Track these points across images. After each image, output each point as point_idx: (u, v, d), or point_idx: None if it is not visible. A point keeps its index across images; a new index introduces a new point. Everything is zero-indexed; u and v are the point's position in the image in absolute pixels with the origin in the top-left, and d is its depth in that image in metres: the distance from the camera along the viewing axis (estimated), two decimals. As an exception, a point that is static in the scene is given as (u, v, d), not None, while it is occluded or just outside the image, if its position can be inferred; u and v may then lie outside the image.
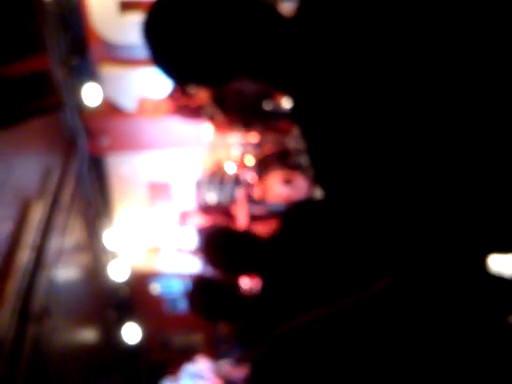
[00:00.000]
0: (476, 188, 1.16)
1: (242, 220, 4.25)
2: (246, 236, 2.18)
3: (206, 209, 4.65)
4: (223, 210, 4.48)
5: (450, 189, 1.18)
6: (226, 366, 4.51)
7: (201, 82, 1.41)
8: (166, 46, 1.27)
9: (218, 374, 4.46)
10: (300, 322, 1.44)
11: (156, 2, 1.30)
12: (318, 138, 1.29)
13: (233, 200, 4.53)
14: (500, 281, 1.29)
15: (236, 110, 4.19)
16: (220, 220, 4.47)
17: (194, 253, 4.79)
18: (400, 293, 1.39)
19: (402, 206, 1.23)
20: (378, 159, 1.19)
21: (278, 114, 4.25)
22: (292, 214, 2.20)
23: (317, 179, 1.33)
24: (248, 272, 2.15)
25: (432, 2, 1.13)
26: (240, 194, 4.41)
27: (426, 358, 1.29)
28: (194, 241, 4.75)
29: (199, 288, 2.19)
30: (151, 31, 1.29)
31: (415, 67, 1.14)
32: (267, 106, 4.24)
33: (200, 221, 4.63)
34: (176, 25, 1.24)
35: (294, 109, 1.35)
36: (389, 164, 1.19)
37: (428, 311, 1.35)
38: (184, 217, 4.89)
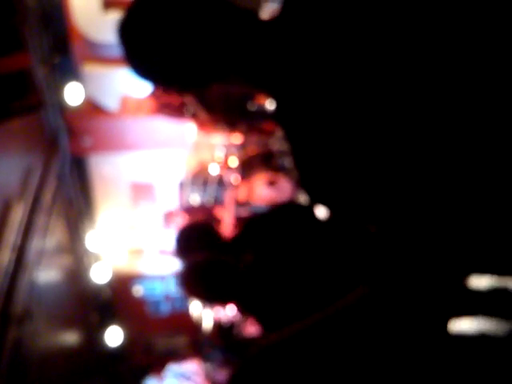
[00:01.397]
0: (459, 203, 1.16)
1: (227, 222, 4.23)
2: (221, 266, 2.17)
3: (189, 210, 4.62)
4: (206, 211, 4.46)
5: (430, 202, 1.17)
6: (212, 368, 4.49)
7: (178, 85, 1.38)
8: (143, 49, 1.24)
9: (206, 376, 4.43)
10: (275, 337, 1.43)
11: (132, 3, 1.27)
12: (301, 141, 1.27)
13: (216, 201, 4.51)
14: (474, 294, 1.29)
15: (220, 110, 4.18)
16: (203, 221, 4.45)
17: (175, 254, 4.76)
18: (375, 303, 1.38)
19: (384, 214, 1.22)
20: (361, 164, 1.18)
21: (262, 115, 4.24)
22: (270, 220, 2.20)
23: (300, 182, 1.32)
24: (226, 290, 2.14)
25: (414, 8, 1.12)
26: (226, 196, 4.39)
27: (403, 368, 1.29)
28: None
29: (195, 267, 2.18)
30: (127, 33, 1.25)
31: (397, 70, 1.13)
32: (251, 106, 4.22)
33: (183, 221, 4.60)
34: (153, 27, 1.21)
35: (276, 111, 1.33)
36: (372, 169, 1.18)
37: (403, 321, 1.35)
38: (168, 217, 4.86)
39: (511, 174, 1.10)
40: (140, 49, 1.25)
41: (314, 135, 1.24)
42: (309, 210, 2.02)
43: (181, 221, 4.63)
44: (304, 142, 1.27)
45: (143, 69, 1.29)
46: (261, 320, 2.08)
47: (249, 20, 1.28)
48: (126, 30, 1.25)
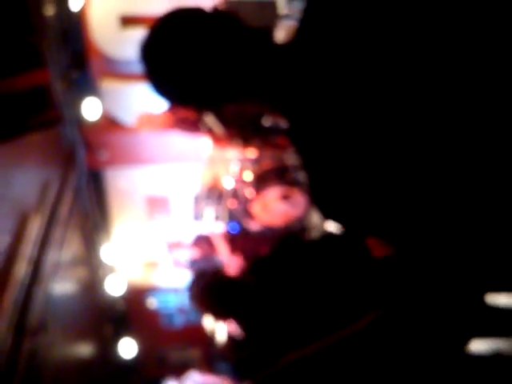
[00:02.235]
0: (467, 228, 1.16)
1: (223, 252, 4.24)
2: (232, 284, 2.20)
3: (196, 240, 4.64)
4: (208, 240, 4.48)
5: (443, 222, 1.18)
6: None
7: (195, 104, 1.43)
8: (163, 68, 1.30)
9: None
10: (285, 362, 1.45)
11: (155, 24, 1.32)
12: (313, 159, 1.29)
13: (231, 216, 4.52)
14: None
15: (235, 125, 4.20)
16: (208, 251, 4.46)
17: (190, 268, 4.78)
18: (386, 328, 1.39)
19: (396, 237, 1.23)
20: (371, 183, 1.20)
21: (277, 130, 4.26)
22: (281, 249, 2.22)
23: (312, 199, 1.34)
24: (236, 316, 2.16)
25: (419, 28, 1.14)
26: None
27: None
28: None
29: (208, 282, 2.20)
30: (149, 52, 1.31)
31: (409, 95, 1.15)
32: (266, 122, 4.24)
33: (187, 253, 4.62)
34: (174, 47, 1.27)
35: (289, 129, 1.36)
36: (382, 189, 1.19)
37: (418, 344, 1.35)
38: (171, 248, 4.90)
39: None
40: (160, 68, 1.30)
41: (325, 154, 1.26)
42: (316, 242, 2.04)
43: (185, 252, 4.65)
44: (316, 160, 1.29)
45: (162, 87, 1.33)
46: (268, 337, 2.09)
47: (265, 41, 1.32)
48: (147, 50, 1.32)
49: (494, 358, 1.37)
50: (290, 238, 2.34)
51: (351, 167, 1.22)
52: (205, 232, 4.53)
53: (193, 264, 4.43)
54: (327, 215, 1.35)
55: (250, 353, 2.21)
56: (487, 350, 1.38)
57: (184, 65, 1.27)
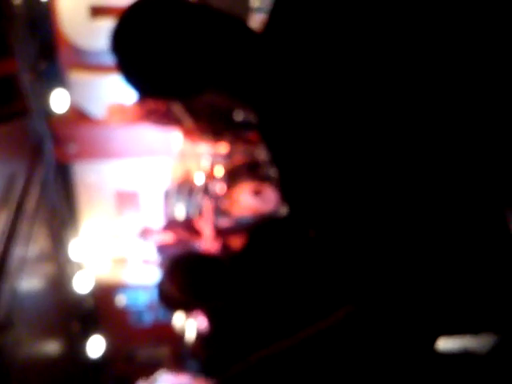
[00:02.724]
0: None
1: (207, 235, 4.20)
2: (209, 262, 2.17)
3: (169, 224, 4.59)
4: (187, 224, 4.43)
5: (409, 227, 1.17)
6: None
7: (167, 94, 1.40)
8: (134, 57, 1.27)
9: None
10: (254, 359, 1.44)
11: (125, 13, 1.29)
12: (282, 154, 1.28)
13: (201, 211, 4.49)
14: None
15: (206, 119, 4.17)
16: (183, 236, 4.41)
17: (159, 265, 4.72)
18: (359, 322, 1.38)
19: (365, 234, 1.22)
20: (341, 180, 1.18)
21: (249, 125, 4.24)
22: (254, 237, 2.20)
23: (282, 196, 1.33)
24: (210, 299, 2.13)
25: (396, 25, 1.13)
26: (206, 206, 4.37)
27: None
28: (155, 256, 4.67)
29: (183, 264, 2.17)
30: (119, 41, 1.29)
31: (380, 93, 1.14)
32: (238, 116, 4.22)
33: (162, 237, 4.56)
34: (144, 36, 1.25)
35: (259, 123, 1.34)
36: (351, 185, 1.18)
37: (388, 339, 1.35)
38: (146, 233, 4.83)
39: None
40: (130, 56, 1.28)
41: (295, 150, 1.24)
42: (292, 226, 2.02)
43: (159, 238, 4.59)
44: (285, 156, 1.27)
45: (132, 76, 1.30)
46: (240, 331, 2.06)
47: (239, 31, 1.30)
48: (117, 38, 1.29)
49: (462, 355, 1.38)
50: (262, 227, 2.31)
51: (320, 163, 1.20)
52: (181, 217, 4.49)
53: (164, 249, 4.36)
54: (296, 212, 1.34)
55: (220, 350, 2.18)
56: (455, 348, 1.38)
57: (154, 53, 1.25)
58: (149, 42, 1.24)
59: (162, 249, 4.41)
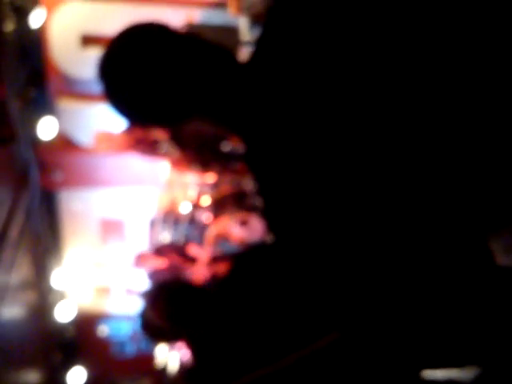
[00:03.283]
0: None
1: (202, 261, 4.17)
2: (191, 289, 2.16)
3: (160, 250, 4.55)
4: (178, 250, 4.40)
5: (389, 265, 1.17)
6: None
7: (153, 122, 1.41)
8: (120, 85, 1.28)
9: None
10: (243, 382, 1.42)
11: (113, 41, 1.30)
12: (269, 185, 1.28)
13: (187, 240, 4.47)
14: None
15: (193, 149, 4.18)
16: (175, 261, 4.38)
17: (144, 296, 4.66)
18: (344, 348, 1.38)
19: (350, 265, 1.22)
20: (326, 211, 1.19)
21: (236, 156, 4.26)
22: (238, 265, 2.20)
23: (267, 226, 1.33)
24: (192, 327, 2.11)
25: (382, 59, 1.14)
26: (204, 234, 4.34)
27: None
28: (145, 284, 4.63)
29: (165, 291, 2.15)
30: (106, 69, 1.29)
31: (364, 127, 1.15)
32: (225, 147, 4.24)
33: (155, 264, 4.52)
34: (131, 65, 1.25)
35: (246, 153, 1.35)
36: (337, 218, 1.18)
37: (369, 365, 1.35)
38: (140, 259, 4.79)
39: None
40: (117, 84, 1.28)
41: (281, 180, 1.24)
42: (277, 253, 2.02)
43: (153, 263, 4.55)
44: (271, 186, 1.28)
45: (119, 103, 1.31)
46: (225, 356, 2.04)
47: (226, 61, 1.31)
48: (104, 66, 1.29)
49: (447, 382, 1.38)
50: (245, 255, 2.30)
51: (307, 194, 1.20)
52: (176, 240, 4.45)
53: (156, 275, 4.32)
54: (281, 240, 1.34)
55: (202, 382, 2.15)
56: (439, 377, 1.38)
57: (139, 81, 1.25)
58: (135, 71, 1.24)
59: (154, 275, 4.37)
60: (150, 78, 1.24)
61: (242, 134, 1.33)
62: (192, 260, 4.24)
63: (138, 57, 1.25)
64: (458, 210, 1.12)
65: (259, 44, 1.32)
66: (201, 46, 1.29)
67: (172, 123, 1.39)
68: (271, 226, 1.32)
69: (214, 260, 4.13)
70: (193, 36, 1.32)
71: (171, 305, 2.10)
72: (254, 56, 1.31)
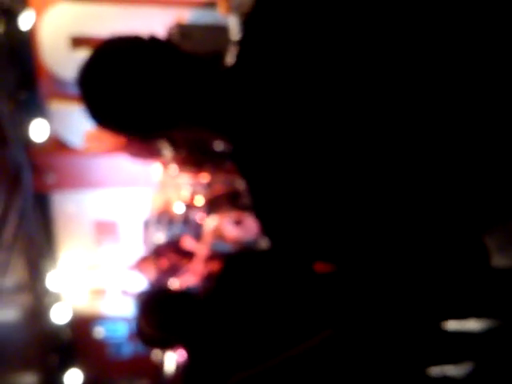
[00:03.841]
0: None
1: (200, 256, 4.16)
2: (180, 297, 2.17)
3: (158, 251, 4.55)
4: (175, 246, 4.39)
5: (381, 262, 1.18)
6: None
7: (135, 131, 1.40)
8: (99, 98, 1.27)
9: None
10: (236, 380, 1.42)
11: (95, 50, 1.30)
12: (257, 183, 1.29)
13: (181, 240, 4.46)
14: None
15: (186, 149, 4.18)
16: (175, 259, 4.37)
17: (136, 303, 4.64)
18: (338, 345, 1.38)
19: (342, 260, 1.22)
20: (316, 208, 1.19)
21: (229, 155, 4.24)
22: (229, 267, 2.20)
23: (260, 226, 1.33)
24: (184, 334, 2.12)
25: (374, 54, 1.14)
26: (207, 227, 4.33)
27: None
28: (141, 285, 4.63)
29: (154, 301, 2.16)
30: (86, 78, 1.29)
31: (349, 124, 1.15)
32: (218, 146, 4.24)
33: (156, 267, 4.51)
34: (110, 77, 1.25)
35: (232, 153, 1.35)
36: (328, 214, 1.18)
37: (363, 362, 1.35)
38: (141, 264, 4.78)
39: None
40: (97, 98, 1.27)
41: (269, 178, 1.24)
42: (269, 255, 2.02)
43: (155, 268, 4.53)
44: (260, 184, 1.28)
45: (100, 116, 1.30)
46: (219, 356, 2.04)
47: (206, 67, 1.31)
48: (84, 78, 1.29)
49: (441, 380, 1.38)
50: (239, 255, 2.31)
51: (295, 191, 1.21)
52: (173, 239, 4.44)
53: (158, 277, 4.30)
54: (273, 240, 1.34)
55: (199, 382, 2.15)
56: (434, 373, 1.38)
57: (118, 94, 1.24)
58: (114, 81, 1.24)
59: (155, 278, 4.38)
60: (128, 89, 1.24)
61: (226, 133, 1.33)
62: (189, 256, 4.24)
63: (117, 68, 1.25)
64: (454, 209, 1.12)
65: (242, 45, 1.32)
66: (178, 58, 1.29)
67: (154, 132, 1.38)
68: (262, 225, 1.32)
69: (210, 258, 4.14)
70: (171, 46, 1.31)
71: (159, 314, 2.11)
72: (238, 57, 1.31)
